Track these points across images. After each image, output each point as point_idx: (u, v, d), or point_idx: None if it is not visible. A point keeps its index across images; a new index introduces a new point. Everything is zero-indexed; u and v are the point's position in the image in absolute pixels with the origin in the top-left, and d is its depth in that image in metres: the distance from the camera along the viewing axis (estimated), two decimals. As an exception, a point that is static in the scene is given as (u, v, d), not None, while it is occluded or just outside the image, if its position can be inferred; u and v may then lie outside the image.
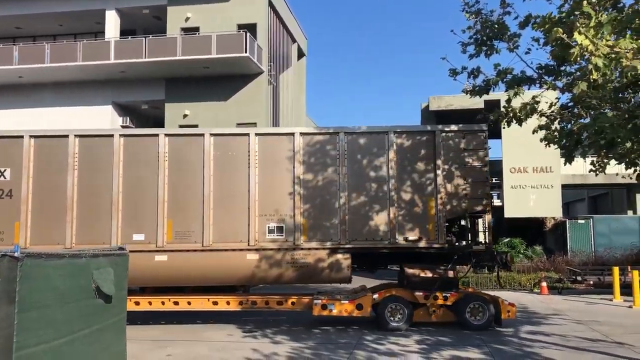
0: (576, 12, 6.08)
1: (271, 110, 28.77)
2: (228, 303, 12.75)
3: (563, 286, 19.07)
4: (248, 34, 25.39)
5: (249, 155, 12.74)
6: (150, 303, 12.75)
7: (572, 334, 11.62)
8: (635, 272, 15.92)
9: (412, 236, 12.54)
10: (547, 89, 8.22)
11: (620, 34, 6.01)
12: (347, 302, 12.31)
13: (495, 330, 12.05)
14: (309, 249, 12.57)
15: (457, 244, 12.94)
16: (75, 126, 24.73)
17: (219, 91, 26.97)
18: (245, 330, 12.37)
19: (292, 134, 13.00)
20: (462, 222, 13.55)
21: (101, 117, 27.70)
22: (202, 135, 12.89)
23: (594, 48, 5.51)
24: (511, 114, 8.89)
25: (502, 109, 9.10)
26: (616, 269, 17.02)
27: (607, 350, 10.03)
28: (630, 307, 15.44)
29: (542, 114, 8.77)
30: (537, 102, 8.61)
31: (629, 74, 5.74)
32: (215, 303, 12.78)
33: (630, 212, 32.87)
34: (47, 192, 12.65)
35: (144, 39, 26.64)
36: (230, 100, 27.04)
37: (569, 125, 8.44)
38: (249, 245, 12.50)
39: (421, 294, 12.22)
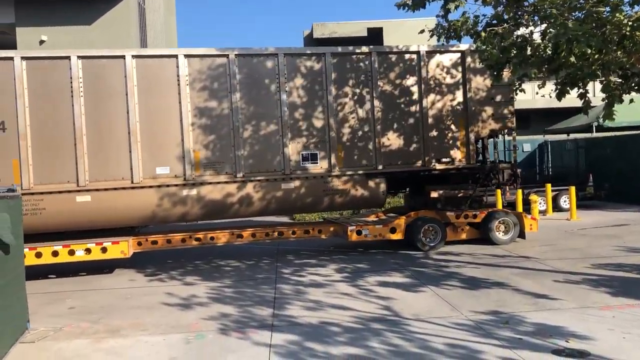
0: None
1: (141, 36, 26.28)
2: (254, 235, 12.12)
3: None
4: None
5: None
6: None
7: (478, 252, 12.06)
8: (519, 192, 17.05)
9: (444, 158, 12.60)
10: (487, 4, 7.92)
11: None
12: (380, 226, 12.29)
13: (407, 254, 12.18)
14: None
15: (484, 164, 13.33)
16: None
17: (82, 14, 23.89)
18: (148, 274, 11.35)
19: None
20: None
21: None
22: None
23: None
24: (452, 30, 8.53)
25: (445, 24, 8.67)
26: (499, 191, 18.00)
27: (518, 264, 10.52)
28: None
29: (477, 32, 8.47)
30: (477, 17, 8.32)
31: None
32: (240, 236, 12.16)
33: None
34: (48, 123, 11.04)
35: (-17, -52, 22.62)
36: (94, 25, 24.16)
37: (502, 43, 8.22)
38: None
39: (453, 213, 12.62)
